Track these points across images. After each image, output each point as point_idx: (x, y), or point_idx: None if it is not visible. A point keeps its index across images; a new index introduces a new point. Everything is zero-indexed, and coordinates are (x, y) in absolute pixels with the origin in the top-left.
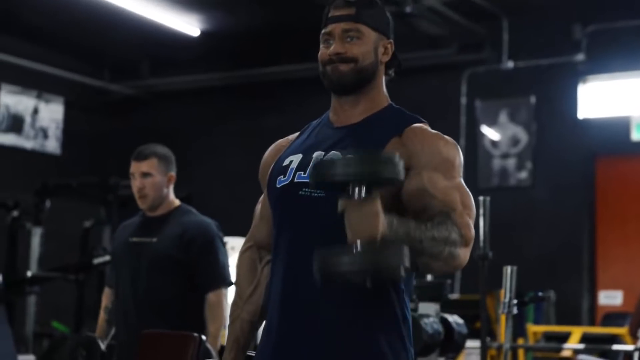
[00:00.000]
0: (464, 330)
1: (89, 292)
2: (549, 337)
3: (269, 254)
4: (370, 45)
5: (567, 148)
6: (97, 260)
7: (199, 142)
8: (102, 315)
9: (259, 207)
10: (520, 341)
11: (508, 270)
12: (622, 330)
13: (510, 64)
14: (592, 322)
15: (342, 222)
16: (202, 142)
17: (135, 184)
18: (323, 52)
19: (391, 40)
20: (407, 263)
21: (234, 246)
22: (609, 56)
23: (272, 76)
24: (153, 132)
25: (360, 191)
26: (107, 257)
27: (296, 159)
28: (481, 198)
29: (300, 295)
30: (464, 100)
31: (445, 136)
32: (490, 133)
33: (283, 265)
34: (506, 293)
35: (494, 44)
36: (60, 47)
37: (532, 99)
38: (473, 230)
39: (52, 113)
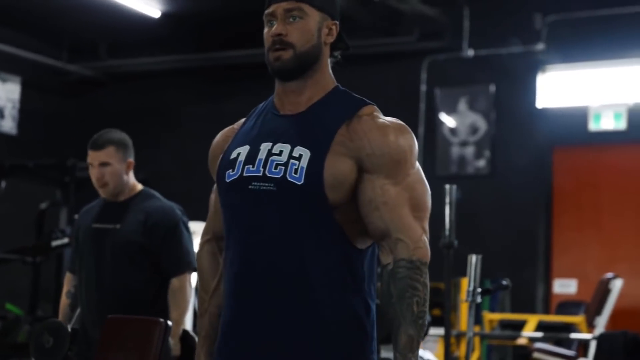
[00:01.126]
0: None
1: (44, 274)
2: (504, 324)
3: None
4: (313, 26)
5: (525, 137)
6: (55, 243)
7: (157, 124)
8: (64, 299)
9: (212, 197)
10: (476, 329)
11: (473, 258)
12: (577, 319)
13: (470, 52)
14: (546, 311)
15: (293, 214)
16: (160, 124)
17: (94, 173)
18: (266, 35)
19: (336, 22)
20: None
21: (194, 230)
22: (568, 46)
23: (232, 60)
24: (111, 114)
25: None
26: (65, 240)
27: (243, 151)
28: (447, 186)
29: (255, 291)
30: (423, 87)
31: (393, 123)
32: (449, 121)
33: (237, 259)
34: (470, 281)
35: (455, 32)
36: (17, 26)
37: (492, 88)
38: (427, 242)
39: (8, 92)
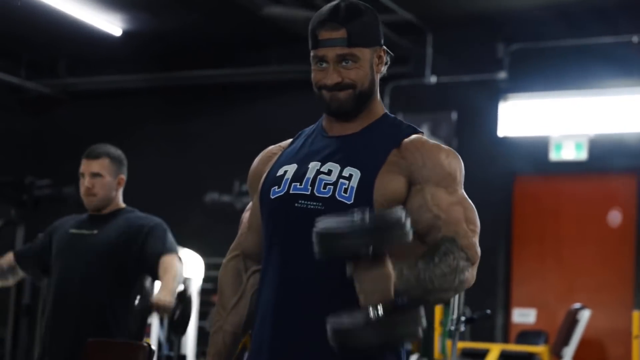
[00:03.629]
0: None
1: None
2: (466, 353)
3: (255, 264)
4: (367, 66)
5: (486, 165)
6: None
7: (116, 144)
8: None
9: (246, 215)
10: (440, 357)
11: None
12: (540, 349)
13: (433, 79)
14: (505, 340)
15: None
16: (119, 144)
17: (84, 183)
18: (318, 77)
19: (383, 46)
20: (423, 324)
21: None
22: (530, 76)
23: (194, 80)
24: (69, 132)
25: (369, 253)
26: None
27: (291, 169)
28: None
29: (296, 309)
30: None
31: (445, 147)
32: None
33: (276, 278)
34: (453, 310)
35: (418, 59)
36: None
37: (454, 115)
38: (478, 249)
39: None
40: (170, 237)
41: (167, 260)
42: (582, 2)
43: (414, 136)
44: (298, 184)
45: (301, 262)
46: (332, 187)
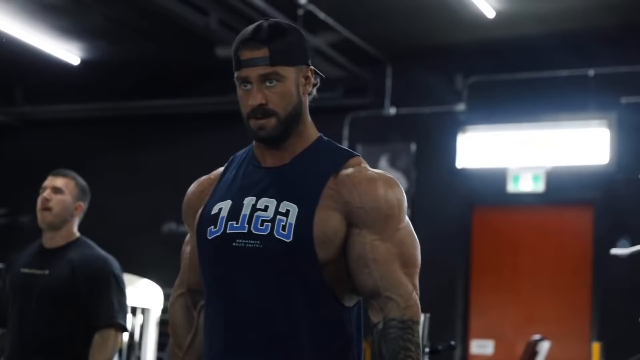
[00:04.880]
0: None
1: None
2: None
3: (202, 298)
4: (292, 86)
5: (445, 196)
6: None
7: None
8: None
9: (187, 249)
10: None
11: (421, 317)
12: None
13: (392, 110)
14: None
15: (279, 272)
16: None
17: (43, 195)
18: (243, 101)
19: (310, 66)
20: None
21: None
22: (488, 108)
23: (151, 110)
24: (25, 160)
25: None
26: None
27: (225, 206)
28: None
29: (245, 352)
30: (345, 144)
31: (382, 176)
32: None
33: (221, 320)
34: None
35: (377, 90)
36: None
37: (413, 146)
38: (418, 299)
39: None
40: (112, 294)
41: (98, 341)
42: (540, 37)
43: (350, 169)
44: (234, 222)
45: (244, 303)
46: (269, 224)
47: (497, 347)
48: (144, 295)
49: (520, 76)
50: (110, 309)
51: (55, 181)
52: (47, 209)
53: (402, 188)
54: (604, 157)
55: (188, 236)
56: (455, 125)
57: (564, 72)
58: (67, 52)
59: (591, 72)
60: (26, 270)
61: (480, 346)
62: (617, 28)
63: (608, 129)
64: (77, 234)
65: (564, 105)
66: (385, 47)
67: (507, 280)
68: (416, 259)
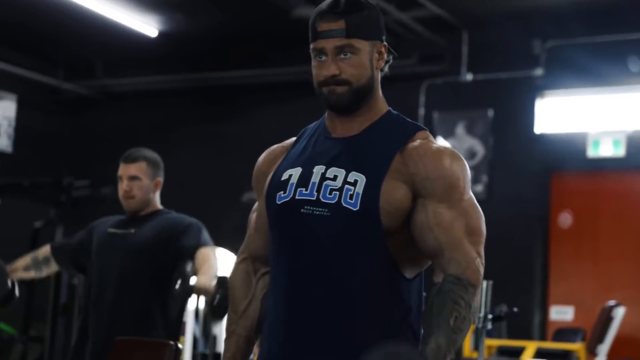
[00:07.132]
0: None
1: (38, 294)
2: (502, 351)
3: (264, 266)
4: (365, 59)
5: (523, 162)
6: None
7: (152, 145)
8: (28, 259)
9: (253, 216)
10: (475, 355)
11: (483, 284)
12: (576, 346)
13: (469, 77)
14: (543, 337)
15: (345, 240)
16: (155, 145)
17: (123, 186)
18: (317, 71)
19: (384, 43)
20: None
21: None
22: (567, 72)
23: (229, 80)
24: (106, 133)
25: None
26: None
27: (295, 172)
28: None
29: (307, 317)
30: (422, 111)
31: (448, 149)
32: (447, 145)
33: (286, 284)
34: (481, 308)
35: (454, 56)
36: (13, 44)
37: (490, 113)
38: (482, 267)
39: (4, 110)
40: (205, 234)
41: (203, 252)
42: None
43: (417, 142)
44: (304, 189)
45: (309, 268)
46: (337, 193)
47: (576, 313)
48: (221, 262)
49: (599, 39)
50: (203, 238)
51: (129, 170)
52: (130, 197)
53: (466, 162)
54: None
55: (256, 203)
56: (533, 90)
57: None
58: (145, 25)
59: None
60: (113, 230)
61: (560, 312)
62: None
63: None
64: (160, 206)
65: None
66: (461, 13)
67: (587, 246)
68: (480, 229)
